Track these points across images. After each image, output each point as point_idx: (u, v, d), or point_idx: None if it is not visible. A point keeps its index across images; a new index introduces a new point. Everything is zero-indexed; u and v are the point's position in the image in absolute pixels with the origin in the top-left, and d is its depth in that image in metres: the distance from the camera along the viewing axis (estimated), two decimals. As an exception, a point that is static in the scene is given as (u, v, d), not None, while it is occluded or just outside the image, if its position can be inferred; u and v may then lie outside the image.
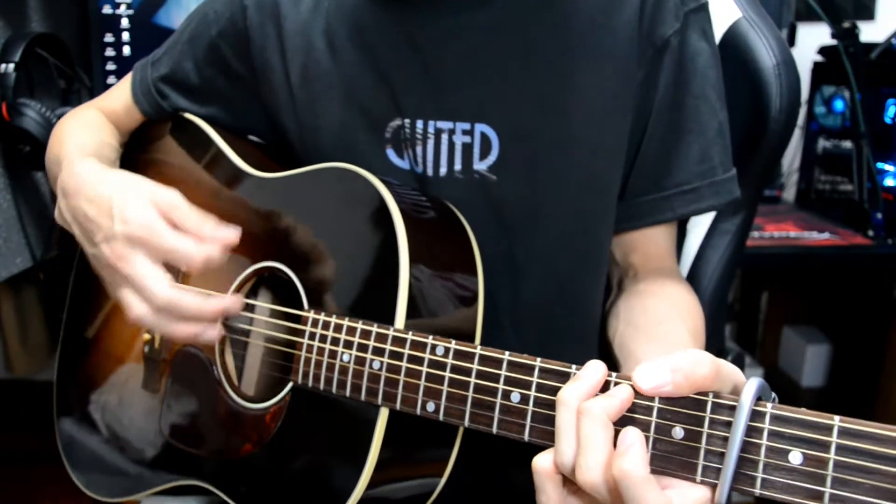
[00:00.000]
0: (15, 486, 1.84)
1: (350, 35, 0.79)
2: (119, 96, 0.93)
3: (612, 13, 0.74)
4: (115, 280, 0.71)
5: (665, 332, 0.71)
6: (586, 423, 0.50)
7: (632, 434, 0.49)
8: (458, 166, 0.77)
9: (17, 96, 1.12)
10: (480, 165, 0.76)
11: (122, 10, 1.32)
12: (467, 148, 0.76)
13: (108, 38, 1.32)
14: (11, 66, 1.11)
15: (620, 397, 0.51)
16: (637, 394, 0.51)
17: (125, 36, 1.32)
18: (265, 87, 0.84)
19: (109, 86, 1.32)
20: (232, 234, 0.69)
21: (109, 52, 1.32)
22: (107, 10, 1.31)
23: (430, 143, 0.77)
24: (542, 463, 0.52)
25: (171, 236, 0.68)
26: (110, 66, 1.33)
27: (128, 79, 0.92)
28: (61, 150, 0.84)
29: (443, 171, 0.77)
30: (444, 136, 0.76)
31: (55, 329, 1.08)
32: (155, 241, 0.68)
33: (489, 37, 0.75)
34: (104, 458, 0.87)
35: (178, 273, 0.83)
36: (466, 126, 0.76)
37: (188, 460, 0.79)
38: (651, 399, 0.50)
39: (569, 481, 0.52)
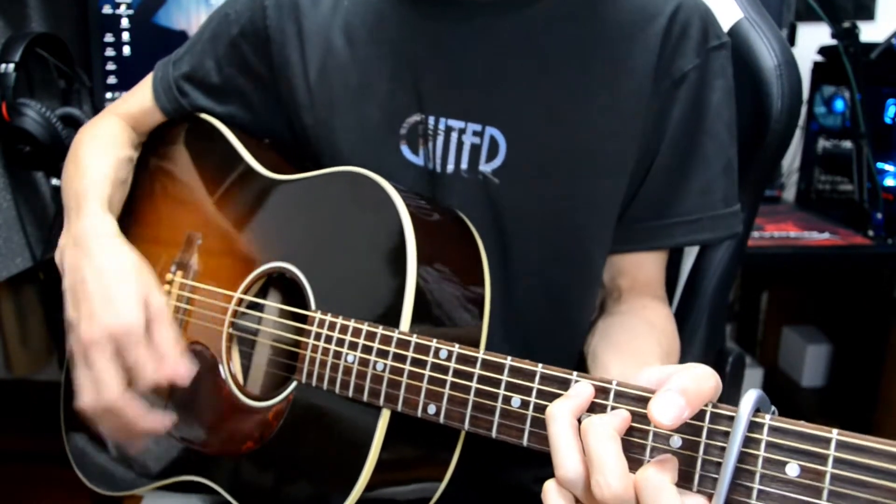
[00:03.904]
0: (15, 487, 1.84)
1: (369, 29, 0.80)
2: (139, 98, 0.93)
3: (636, 38, 0.74)
4: (77, 352, 0.74)
5: (637, 348, 0.72)
6: (594, 439, 0.48)
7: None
8: (464, 165, 0.77)
9: (17, 96, 1.12)
10: (486, 167, 0.77)
11: (122, 10, 1.32)
12: (475, 148, 0.77)
13: (108, 38, 1.32)
14: (11, 66, 1.11)
15: (622, 415, 0.51)
16: (634, 407, 0.51)
17: (125, 36, 1.32)
18: (284, 85, 0.85)
19: (109, 86, 1.33)
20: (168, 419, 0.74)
21: (109, 52, 1.32)
22: (107, 10, 1.31)
23: (440, 139, 0.78)
24: (552, 487, 0.51)
25: (141, 352, 0.72)
26: (110, 66, 1.33)
27: (148, 79, 0.93)
28: (77, 176, 0.85)
29: (450, 167, 0.78)
30: (455, 135, 0.77)
31: (55, 329, 1.08)
32: (126, 348, 0.71)
33: (512, 42, 0.75)
34: (107, 451, 0.87)
35: (188, 273, 0.84)
36: (477, 127, 0.76)
37: (189, 456, 0.79)
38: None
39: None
